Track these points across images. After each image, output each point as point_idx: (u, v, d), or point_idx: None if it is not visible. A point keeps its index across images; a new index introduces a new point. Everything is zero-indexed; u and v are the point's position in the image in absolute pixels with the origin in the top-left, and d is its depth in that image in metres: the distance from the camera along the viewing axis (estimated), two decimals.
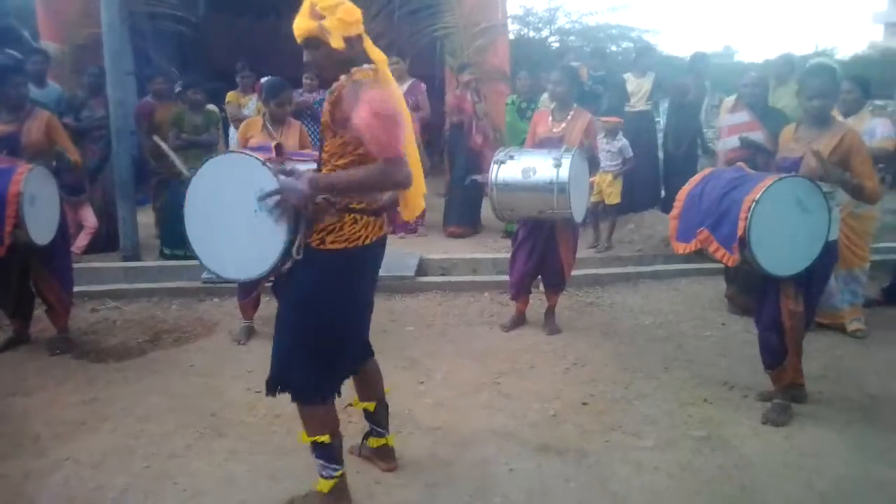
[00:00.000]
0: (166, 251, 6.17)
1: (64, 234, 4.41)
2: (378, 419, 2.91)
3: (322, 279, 2.46)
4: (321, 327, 2.48)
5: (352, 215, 2.43)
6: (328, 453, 2.58)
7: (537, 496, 2.78)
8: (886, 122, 4.80)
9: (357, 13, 2.38)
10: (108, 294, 5.52)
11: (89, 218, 6.17)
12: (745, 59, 17.43)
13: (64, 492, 2.83)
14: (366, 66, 2.39)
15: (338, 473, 2.60)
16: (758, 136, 4.73)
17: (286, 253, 2.40)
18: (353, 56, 2.38)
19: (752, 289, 4.87)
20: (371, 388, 2.88)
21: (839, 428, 3.34)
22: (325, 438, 2.55)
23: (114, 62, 5.95)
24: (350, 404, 2.91)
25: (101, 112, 6.29)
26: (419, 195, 2.56)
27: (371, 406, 2.87)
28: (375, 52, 2.42)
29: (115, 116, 5.96)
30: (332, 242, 2.41)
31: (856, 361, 4.21)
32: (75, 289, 4.75)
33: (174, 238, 6.01)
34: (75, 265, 5.29)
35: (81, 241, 6.10)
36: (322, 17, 2.32)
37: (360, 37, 2.40)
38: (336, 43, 2.33)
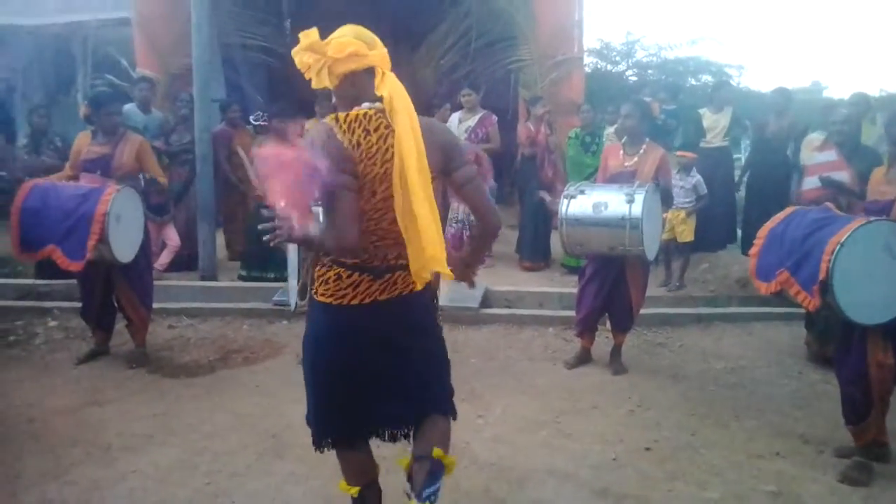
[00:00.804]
0: (243, 272, 6.37)
1: (146, 254, 4.64)
2: (412, 477, 2.34)
3: (310, 326, 2.32)
4: (309, 374, 2.32)
5: (335, 270, 2.20)
6: None
7: None
8: None
9: (351, 47, 2.14)
10: (184, 312, 5.75)
11: (173, 237, 6.46)
12: (835, 94, 16.80)
13: (128, 503, 2.92)
14: (366, 104, 2.17)
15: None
16: (842, 175, 4.53)
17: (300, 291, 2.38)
18: (353, 95, 2.20)
19: (832, 337, 4.65)
20: (416, 442, 2.39)
21: None
22: (352, 492, 2.37)
23: (202, 90, 6.27)
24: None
25: (189, 137, 6.61)
26: (427, 260, 2.07)
27: (403, 462, 2.41)
28: (386, 88, 2.12)
29: (199, 141, 6.26)
30: (321, 294, 2.22)
31: None
32: (155, 305, 4.98)
33: (252, 259, 6.23)
34: (156, 282, 5.56)
35: (164, 258, 6.40)
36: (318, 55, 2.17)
37: (365, 72, 2.17)
38: (319, 83, 2.17)
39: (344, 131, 2.09)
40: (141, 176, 4.71)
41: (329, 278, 2.21)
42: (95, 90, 5.23)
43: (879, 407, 3.21)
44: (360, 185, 2.11)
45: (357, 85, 2.18)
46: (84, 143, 4.57)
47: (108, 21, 9.75)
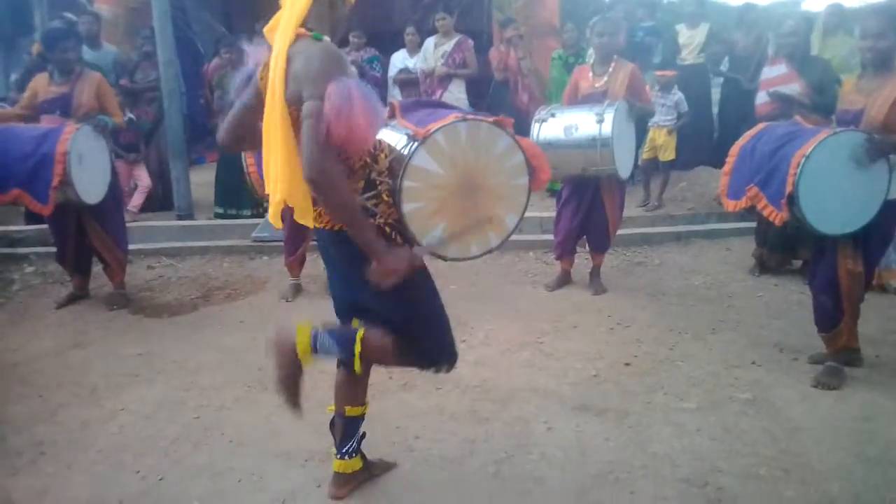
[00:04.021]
0: (219, 210, 6.30)
1: (116, 195, 4.55)
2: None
3: None
4: None
5: None
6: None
7: (574, 455, 2.77)
8: None
9: None
10: (163, 252, 5.70)
11: (143, 177, 6.35)
12: (812, 6, 16.48)
13: (118, 440, 2.96)
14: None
15: (332, 450, 2.51)
16: (793, 88, 4.49)
17: None
18: None
19: (783, 248, 4.76)
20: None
21: (894, 393, 3.22)
22: (329, 409, 2.50)
23: (163, 23, 6.02)
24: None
25: (155, 74, 6.40)
26: (275, 189, 2.05)
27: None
28: (285, 9, 2.08)
29: (165, 77, 6.07)
30: None
31: None
32: (132, 246, 4.94)
33: (226, 196, 6.15)
34: (132, 224, 5.50)
35: (137, 200, 6.30)
36: None
37: None
38: None
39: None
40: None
41: None
42: (47, 27, 4.97)
43: (850, 314, 3.28)
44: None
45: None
46: (41, 84, 4.40)
47: None
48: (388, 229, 2.10)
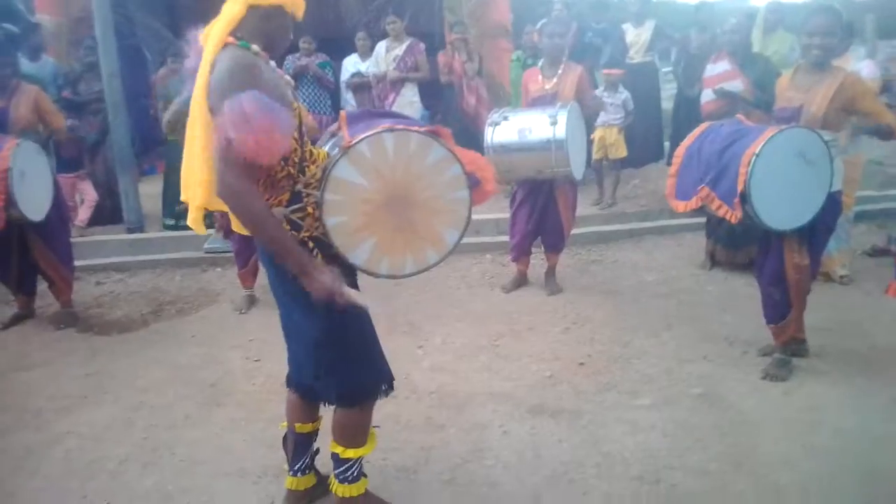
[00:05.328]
0: (170, 222, 6.17)
1: (60, 210, 4.41)
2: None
3: None
4: None
5: None
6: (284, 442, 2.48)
7: (529, 457, 2.78)
8: (871, 64, 4.67)
9: None
10: (112, 267, 5.56)
11: (89, 191, 6.19)
12: (760, 3, 16.81)
13: (64, 465, 2.87)
14: None
15: (285, 466, 2.48)
16: (737, 84, 4.58)
17: None
18: None
19: (732, 245, 4.84)
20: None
21: (839, 382, 3.30)
22: (282, 426, 2.48)
23: (105, 33, 5.87)
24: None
25: (99, 85, 6.24)
26: (194, 195, 2.01)
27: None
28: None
29: (109, 88, 5.91)
30: None
31: (860, 314, 4.15)
32: (80, 262, 4.81)
33: (178, 208, 6.02)
34: (79, 239, 5.37)
35: (83, 214, 6.13)
36: None
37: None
38: None
39: None
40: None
41: None
42: None
43: (798, 305, 3.36)
44: None
45: None
46: None
47: None
48: (311, 244, 2.01)
